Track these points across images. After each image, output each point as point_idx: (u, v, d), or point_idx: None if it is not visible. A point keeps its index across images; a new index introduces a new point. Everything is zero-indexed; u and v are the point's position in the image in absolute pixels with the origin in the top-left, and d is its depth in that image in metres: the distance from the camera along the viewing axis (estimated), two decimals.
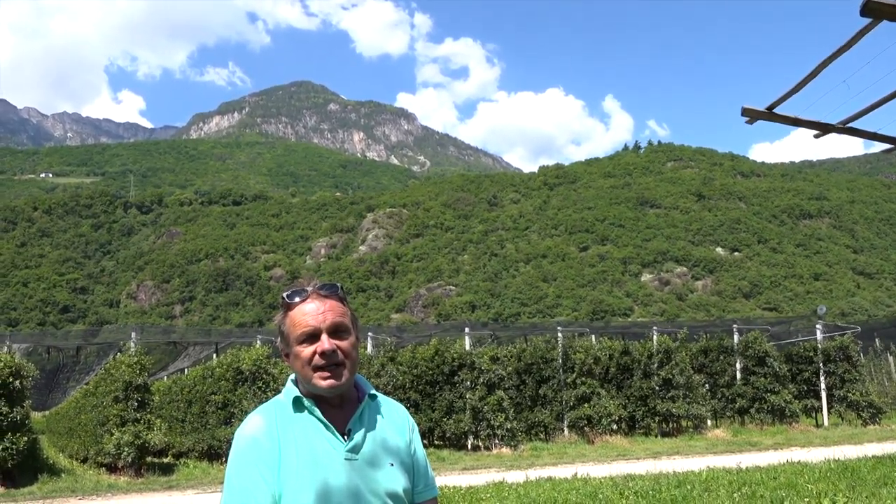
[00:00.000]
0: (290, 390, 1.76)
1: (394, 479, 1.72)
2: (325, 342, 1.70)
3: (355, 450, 1.70)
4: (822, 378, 18.08)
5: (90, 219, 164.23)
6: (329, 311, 1.74)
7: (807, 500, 6.65)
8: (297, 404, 1.72)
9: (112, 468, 12.54)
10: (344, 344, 1.73)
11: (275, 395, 1.84)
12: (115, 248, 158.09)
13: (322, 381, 1.69)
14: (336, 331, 1.73)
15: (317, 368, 1.69)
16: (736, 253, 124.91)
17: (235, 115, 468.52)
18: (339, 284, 1.82)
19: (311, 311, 1.73)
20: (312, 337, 1.71)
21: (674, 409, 16.06)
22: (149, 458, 12.71)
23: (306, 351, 1.71)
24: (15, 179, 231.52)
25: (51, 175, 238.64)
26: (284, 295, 1.79)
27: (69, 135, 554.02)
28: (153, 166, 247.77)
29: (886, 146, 8.75)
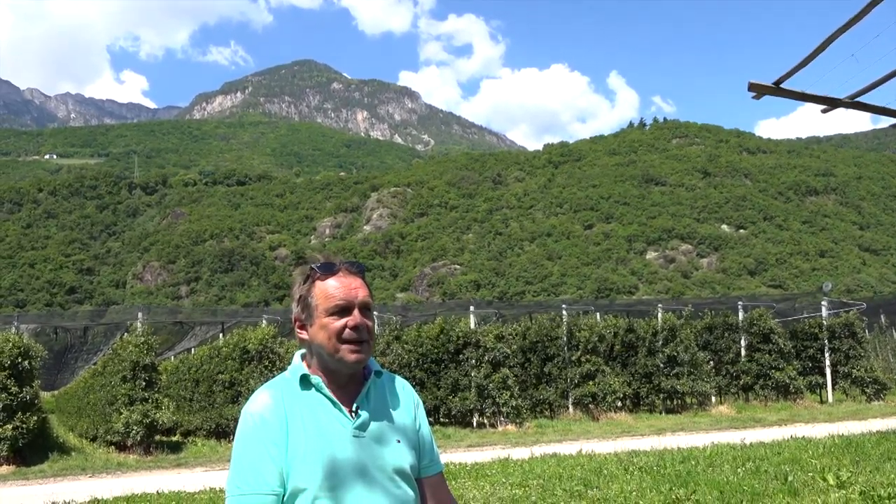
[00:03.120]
0: (296, 368, 1.75)
1: (401, 456, 1.73)
2: (358, 316, 1.70)
3: (363, 427, 1.70)
4: (826, 354, 18.10)
5: (95, 200, 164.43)
6: (360, 289, 1.74)
7: (811, 474, 6.69)
8: (305, 382, 1.72)
9: (121, 446, 12.68)
10: (369, 323, 1.73)
11: (281, 373, 1.82)
12: (121, 228, 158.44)
13: (350, 355, 1.69)
14: (365, 308, 1.73)
15: (346, 341, 1.69)
16: (741, 230, 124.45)
17: (238, 94, 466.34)
18: (364, 264, 1.81)
19: (345, 285, 1.72)
20: (345, 311, 1.70)
21: (678, 386, 16.12)
22: (157, 437, 12.84)
23: (336, 323, 1.69)
24: (19, 161, 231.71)
25: (55, 156, 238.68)
26: (315, 266, 1.76)
27: (72, 115, 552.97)
28: (157, 147, 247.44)
29: (894, 121, 8.66)
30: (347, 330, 1.69)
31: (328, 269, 1.75)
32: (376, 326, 16.78)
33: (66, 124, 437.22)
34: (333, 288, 1.72)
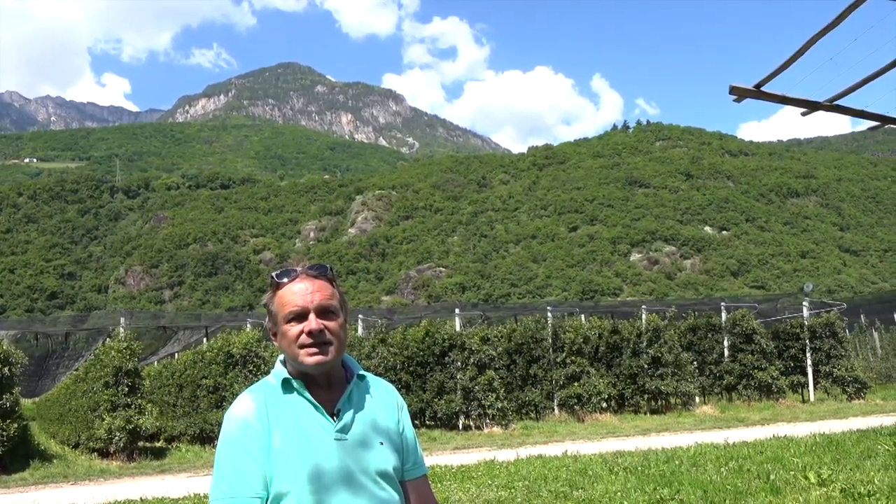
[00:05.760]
0: (279, 372, 1.76)
1: (384, 458, 1.74)
2: (313, 322, 1.71)
3: (345, 430, 1.70)
4: (808, 354, 18.30)
5: (76, 204, 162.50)
6: (317, 292, 1.74)
7: (792, 473, 6.76)
8: (287, 385, 1.73)
9: (104, 453, 12.54)
10: (332, 324, 1.73)
11: (264, 377, 1.83)
12: (103, 233, 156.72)
13: (308, 358, 1.70)
14: (324, 312, 1.73)
15: (303, 346, 1.70)
16: (724, 232, 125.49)
17: (222, 97, 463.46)
18: (328, 265, 1.81)
19: (300, 291, 1.74)
20: (300, 317, 1.72)
21: (662, 387, 16.22)
22: (140, 443, 12.72)
23: (293, 330, 1.71)
24: None
25: (35, 160, 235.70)
26: (273, 274, 1.79)
27: (52, 118, 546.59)
28: (139, 150, 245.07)
29: (873, 123, 8.78)
30: (303, 335, 1.70)
31: (285, 277, 1.78)
32: (360, 330, 16.81)
33: (46, 127, 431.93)
34: (290, 294, 1.74)
